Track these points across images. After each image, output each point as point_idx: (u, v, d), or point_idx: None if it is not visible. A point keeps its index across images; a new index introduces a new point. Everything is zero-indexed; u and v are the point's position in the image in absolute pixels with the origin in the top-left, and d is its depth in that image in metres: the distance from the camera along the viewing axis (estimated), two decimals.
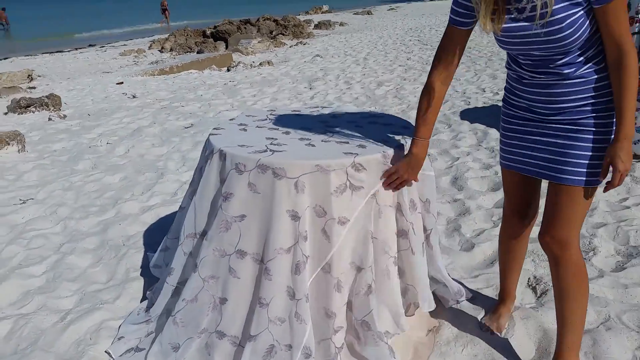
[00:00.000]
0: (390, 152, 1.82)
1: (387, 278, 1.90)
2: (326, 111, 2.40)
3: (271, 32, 15.12)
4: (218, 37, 13.46)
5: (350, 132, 2.05)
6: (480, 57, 9.13)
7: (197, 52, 11.84)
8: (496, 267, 2.55)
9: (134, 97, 7.22)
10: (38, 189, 3.80)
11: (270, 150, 1.84)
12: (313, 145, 1.90)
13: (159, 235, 3.03)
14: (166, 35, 14.72)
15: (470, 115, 5.37)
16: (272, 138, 1.99)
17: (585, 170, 1.59)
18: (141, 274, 2.61)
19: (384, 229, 1.87)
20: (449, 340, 2.04)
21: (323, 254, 1.80)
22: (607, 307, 2.20)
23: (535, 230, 2.88)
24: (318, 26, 17.86)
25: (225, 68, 9.76)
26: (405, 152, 1.86)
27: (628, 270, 2.44)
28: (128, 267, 2.69)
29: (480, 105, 5.78)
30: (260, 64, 9.80)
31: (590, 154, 1.58)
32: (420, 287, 1.95)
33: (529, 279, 2.46)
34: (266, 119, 2.28)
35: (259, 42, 12.66)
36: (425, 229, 2.01)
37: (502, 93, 6.25)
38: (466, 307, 2.25)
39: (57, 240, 3.05)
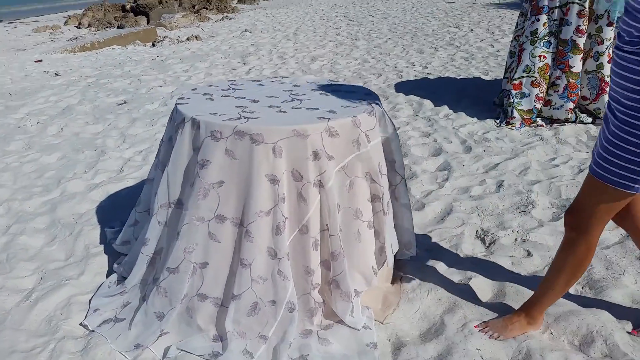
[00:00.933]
0: (360, 117, 1.93)
1: (357, 242, 2.02)
2: (287, 81, 2.46)
3: (194, 7, 14.68)
4: (139, 12, 12.91)
5: (317, 100, 2.13)
6: (406, 33, 9.41)
7: (118, 28, 11.32)
8: (447, 222, 2.75)
9: (56, 75, 6.85)
10: None
11: (245, 118, 1.89)
12: (285, 112, 1.97)
13: (112, 211, 2.99)
14: (82, 10, 13.90)
15: (404, 87, 5.59)
16: (242, 106, 2.04)
17: (605, 164, 1.55)
18: (102, 250, 2.58)
19: (354, 198, 1.98)
20: (414, 288, 2.21)
21: (301, 216, 1.88)
22: (549, 251, 2.46)
23: (479, 189, 3.13)
24: (242, 1, 17.53)
25: (150, 43, 9.43)
26: (379, 122, 1.99)
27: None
28: (87, 243, 2.64)
29: (412, 78, 6.02)
30: (187, 38, 9.55)
31: (623, 154, 1.50)
32: (391, 242, 2.09)
33: (477, 231, 2.68)
34: (229, 89, 2.31)
35: (182, 16, 12.28)
36: (390, 184, 2.14)
37: (430, 67, 6.54)
38: (425, 259, 2.43)
39: (2, 222, 2.92)
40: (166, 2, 13.51)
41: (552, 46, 4.21)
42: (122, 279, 2.26)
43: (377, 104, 2.08)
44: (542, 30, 4.21)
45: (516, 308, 2.07)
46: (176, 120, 2.00)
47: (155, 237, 2.03)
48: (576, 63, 4.12)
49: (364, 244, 2.03)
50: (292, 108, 2.02)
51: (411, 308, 2.11)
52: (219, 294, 1.94)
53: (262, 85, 2.39)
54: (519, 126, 4.24)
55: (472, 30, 9.26)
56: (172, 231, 2.00)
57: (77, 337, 2.01)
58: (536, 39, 4.24)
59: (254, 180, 1.81)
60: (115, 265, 2.35)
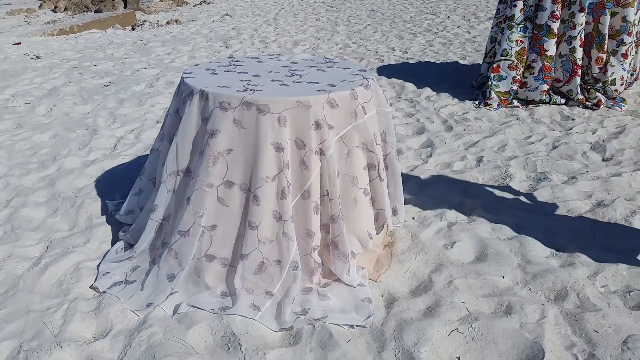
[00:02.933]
0: (357, 89, 2.08)
1: (354, 207, 2.18)
2: (283, 58, 2.59)
3: None
4: None
5: (315, 75, 2.27)
6: (385, 19, 9.56)
7: (95, 12, 11.18)
8: (432, 193, 2.94)
9: (37, 57, 6.81)
10: None
11: (251, 90, 2.02)
12: (287, 85, 2.11)
13: (111, 185, 3.08)
14: None
15: (386, 71, 5.75)
16: (246, 80, 2.17)
17: None
18: (104, 221, 2.68)
19: (351, 166, 2.13)
20: (404, 252, 2.39)
21: (303, 181, 2.03)
22: (523, 219, 2.66)
23: (461, 164, 3.31)
24: None
25: (130, 27, 9.37)
26: (374, 95, 2.14)
27: (539, 191, 2.93)
28: (89, 214, 2.74)
29: (393, 62, 6.18)
30: (167, 22, 9.53)
31: None
32: (387, 209, 2.26)
33: (460, 201, 2.87)
34: (231, 65, 2.43)
35: (160, 0, 12.19)
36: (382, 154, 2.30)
37: (410, 52, 6.71)
38: (413, 226, 2.60)
39: (3, 196, 2.99)
40: None
41: (528, 31, 4.42)
42: (129, 245, 2.38)
43: (372, 79, 2.23)
44: (519, 15, 4.42)
45: (496, 268, 2.27)
46: (184, 93, 2.12)
47: (164, 204, 2.16)
48: (550, 47, 4.34)
49: (360, 209, 2.20)
50: (293, 82, 2.16)
51: (401, 268, 2.29)
52: (227, 254, 2.08)
53: (261, 62, 2.52)
54: (496, 107, 4.45)
55: (448, 17, 9.45)
56: (181, 198, 2.13)
57: (88, 299, 2.12)
58: (513, 24, 4.44)
59: (261, 147, 1.95)
60: (121, 233, 2.46)
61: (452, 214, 2.73)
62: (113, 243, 2.52)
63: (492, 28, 4.89)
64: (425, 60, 6.20)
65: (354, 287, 2.11)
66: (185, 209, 2.05)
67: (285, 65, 2.44)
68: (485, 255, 2.38)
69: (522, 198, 2.87)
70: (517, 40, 4.45)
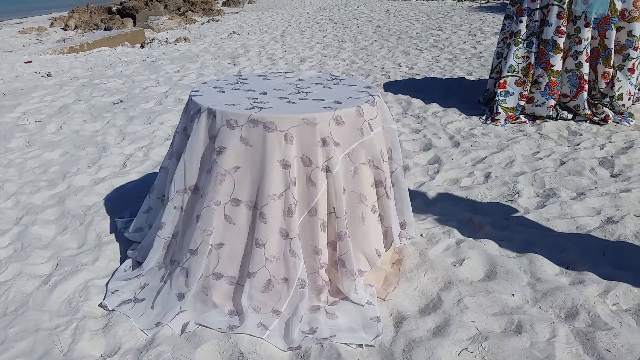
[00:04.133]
0: (363, 106, 2.09)
1: (361, 224, 2.17)
2: (290, 75, 2.61)
3: (179, 9, 14.75)
4: (125, 14, 12.94)
5: (321, 92, 2.29)
6: (391, 36, 9.62)
7: (105, 30, 11.35)
8: (440, 210, 2.93)
9: (48, 75, 6.90)
10: None
11: (257, 107, 2.04)
12: (293, 103, 2.13)
13: (120, 203, 3.10)
14: (67, 12, 13.88)
15: (392, 87, 5.77)
16: (253, 98, 2.19)
17: None
18: (114, 239, 2.69)
19: (359, 184, 2.13)
20: (412, 269, 2.38)
21: (309, 199, 2.04)
22: (533, 236, 2.64)
23: (468, 180, 3.30)
24: (227, 3, 17.65)
25: (139, 45, 9.50)
26: (380, 112, 2.14)
27: (547, 208, 2.91)
28: (98, 232, 2.76)
29: (399, 78, 6.21)
30: (176, 40, 9.65)
31: None
32: (394, 226, 2.25)
33: (467, 218, 2.86)
34: (238, 83, 2.46)
35: (169, 18, 12.36)
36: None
37: (416, 67, 6.74)
38: (421, 243, 2.60)
39: (13, 214, 3.02)
40: (152, 4, 13.56)
41: (534, 46, 4.43)
42: (137, 263, 2.38)
43: (378, 95, 2.24)
44: (525, 31, 4.44)
45: (506, 286, 2.25)
46: (192, 111, 2.14)
47: (172, 221, 2.16)
48: (557, 62, 4.34)
49: (368, 227, 2.19)
50: (300, 99, 2.17)
51: (410, 286, 2.28)
52: (234, 272, 2.08)
53: (268, 79, 2.54)
54: (503, 122, 4.45)
55: (454, 32, 9.51)
56: (188, 215, 2.14)
57: (97, 317, 2.13)
58: (519, 39, 4.46)
59: (268, 165, 1.96)
60: (129, 252, 2.47)
61: (460, 231, 2.72)
62: (122, 261, 2.53)
63: (498, 44, 4.91)
64: (432, 76, 6.22)
65: (362, 306, 2.10)
66: (195, 227, 2.05)
67: (291, 83, 2.46)
68: (495, 273, 2.37)
69: (531, 215, 2.85)
70: (523, 57, 4.47)
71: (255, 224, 2.03)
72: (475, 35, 9.10)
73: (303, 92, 2.30)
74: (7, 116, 4.93)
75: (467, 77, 6.05)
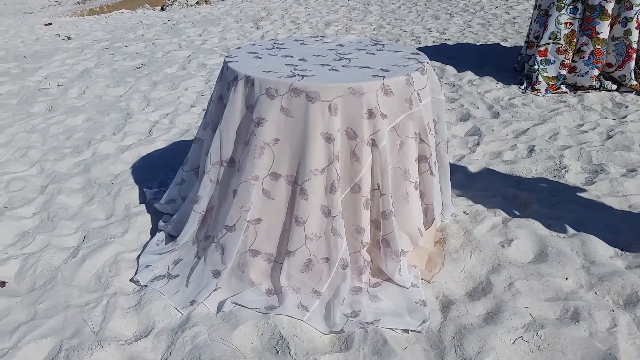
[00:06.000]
0: (414, 75, 1.92)
1: (405, 202, 2.03)
2: (329, 40, 2.44)
3: None
4: None
5: (365, 59, 2.12)
6: None
7: None
8: (483, 185, 2.77)
9: (68, 38, 6.77)
10: None
11: (299, 75, 1.88)
12: (336, 70, 1.97)
13: (148, 172, 2.99)
14: None
15: (424, 53, 5.52)
16: (293, 64, 2.03)
17: None
18: (143, 210, 2.59)
19: (404, 159, 1.98)
20: (457, 249, 2.25)
21: (353, 174, 1.90)
22: (583, 215, 2.48)
23: (511, 154, 3.13)
24: None
25: (159, 7, 9.29)
26: (430, 81, 1.98)
27: (597, 185, 2.74)
28: (127, 203, 2.66)
29: (430, 44, 5.95)
30: (197, 2, 9.41)
31: None
32: (437, 203, 2.11)
33: (513, 194, 2.70)
34: (274, 48, 2.29)
35: None
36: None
37: (448, 32, 6.46)
38: (465, 221, 2.45)
39: (38, 182, 2.94)
40: None
41: (578, 12, 4.16)
42: (170, 236, 2.29)
43: (427, 62, 2.07)
44: None
45: (558, 269, 2.11)
46: (227, 79, 1.99)
47: (207, 195, 2.05)
48: (603, 29, 4.07)
49: (411, 205, 2.05)
50: (343, 67, 2.01)
51: (456, 268, 2.15)
52: (272, 249, 1.97)
53: (306, 44, 2.37)
54: (544, 92, 4.22)
55: None
56: (224, 189, 2.02)
57: (128, 293, 2.04)
58: (562, 5, 4.19)
59: (310, 138, 1.82)
60: (161, 224, 2.37)
61: (506, 209, 2.56)
62: (152, 233, 2.43)
63: (535, 8, 4.62)
64: (465, 41, 5.95)
65: (407, 288, 1.98)
66: (232, 203, 1.93)
67: (331, 48, 2.29)
68: (546, 255, 2.22)
69: (580, 192, 2.68)
70: (566, 23, 4.20)
71: (295, 200, 1.90)
72: (507, 0, 8.70)
73: (345, 58, 2.13)
74: (28, 80, 4.83)
75: (502, 44, 5.77)
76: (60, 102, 4.23)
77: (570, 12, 4.19)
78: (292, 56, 2.15)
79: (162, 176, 2.92)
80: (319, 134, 1.82)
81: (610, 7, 4.02)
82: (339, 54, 2.20)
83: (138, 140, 3.47)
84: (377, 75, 1.88)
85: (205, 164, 2.03)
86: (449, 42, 5.94)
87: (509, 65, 4.91)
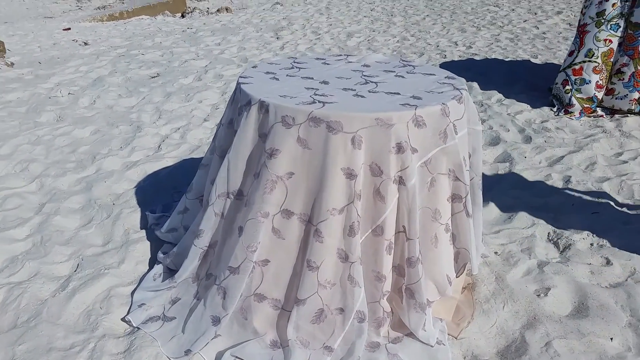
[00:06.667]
0: (450, 104, 1.69)
1: (433, 247, 1.80)
2: (353, 60, 2.21)
3: None
4: None
5: (394, 83, 1.89)
6: (444, 10, 9.01)
7: None
8: (515, 223, 2.52)
9: (85, 44, 6.65)
10: (0, 143, 3.41)
11: (320, 102, 1.66)
12: (362, 97, 1.74)
13: (152, 193, 2.79)
14: None
15: (449, 68, 5.28)
16: (313, 88, 1.81)
17: None
18: (143, 236, 2.39)
19: (434, 198, 1.75)
20: (488, 298, 2.00)
21: (376, 215, 1.67)
22: (630, 260, 2.22)
23: (546, 185, 2.87)
24: None
25: (180, 14, 9.17)
26: (461, 103, 1.74)
27: None
28: (126, 228, 2.46)
29: (456, 58, 5.71)
30: (217, 10, 9.27)
31: None
32: (472, 249, 1.87)
33: (548, 233, 2.44)
34: (293, 68, 2.08)
35: None
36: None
37: (475, 47, 6.21)
38: (495, 263, 2.20)
39: (36, 200, 2.75)
40: None
41: (620, 29, 3.88)
42: (169, 270, 2.08)
43: (465, 89, 1.84)
44: (611, 11, 3.88)
45: (601, 326, 1.85)
46: (240, 102, 1.78)
47: (211, 229, 1.83)
48: None
49: (440, 250, 1.81)
50: (369, 92, 1.78)
51: (487, 322, 1.90)
52: (279, 295, 1.75)
53: (328, 64, 2.15)
54: (578, 115, 3.95)
55: (513, 10, 8.83)
56: (230, 224, 1.80)
57: (118, 336, 1.83)
58: (602, 20, 3.91)
59: (329, 173, 1.59)
60: (160, 255, 2.16)
61: (541, 250, 2.31)
62: (150, 264, 2.23)
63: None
64: (493, 57, 5.70)
65: (431, 346, 1.73)
66: (237, 242, 1.71)
67: (356, 69, 2.06)
68: (586, 308, 1.96)
69: (622, 232, 2.41)
70: (605, 40, 3.92)
71: (308, 242, 1.67)
72: (535, 13, 8.42)
73: (372, 81, 1.90)
74: (40, 87, 4.69)
75: (533, 60, 5.50)
76: (69, 112, 4.07)
77: (610, 29, 3.91)
78: (312, 78, 1.93)
79: (166, 198, 2.72)
80: (339, 169, 1.60)
81: None
82: (364, 76, 1.97)
83: (145, 156, 3.28)
84: (408, 104, 1.65)
85: (210, 195, 1.82)
86: (476, 57, 5.69)
87: (540, 84, 4.64)
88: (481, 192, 2.00)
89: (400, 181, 1.64)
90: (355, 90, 1.79)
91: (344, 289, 1.68)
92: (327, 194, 1.60)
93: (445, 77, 1.96)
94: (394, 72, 2.03)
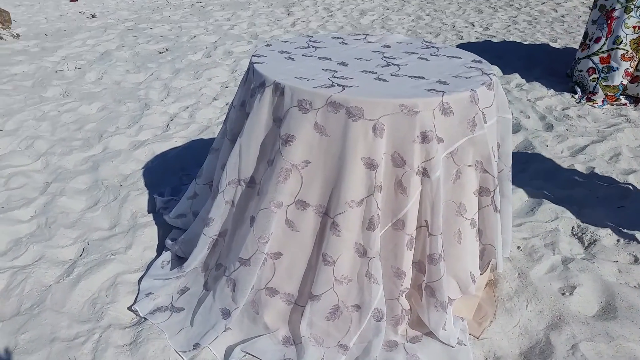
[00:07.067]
0: (479, 90, 1.57)
1: (457, 242, 1.70)
2: (373, 39, 2.09)
3: None
4: None
5: (417, 66, 1.77)
6: None
7: None
8: (538, 215, 2.41)
9: (93, 16, 6.51)
10: (5, 119, 3.32)
11: (339, 86, 1.55)
12: (384, 80, 1.62)
13: (160, 175, 2.70)
14: None
15: (466, 50, 5.11)
16: (331, 70, 1.69)
17: None
18: (151, 220, 2.31)
19: (459, 191, 1.65)
20: (511, 296, 1.90)
21: (397, 208, 1.57)
22: None
23: (569, 176, 2.76)
24: None
25: None
26: (491, 90, 1.62)
27: None
28: (133, 211, 2.38)
29: (473, 40, 5.54)
30: None
31: None
32: (498, 245, 1.77)
33: (572, 227, 2.34)
34: (309, 47, 1.96)
35: None
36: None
37: (492, 28, 6.02)
38: (518, 259, 2.11)
39: (41, 179, 2.67)
40: None
41: None
42: (177, 258, 2.00)
43: (494, 74, 1.71)
44: None
45: (630, 329, 1.76)
46: (253, 83, 1.67)
47: (221, 217, 1.74)
48: None
49: (464, 246, 1.71)
50: (392, 75, 1.67)
51: (510, 321, 1.81)
52: (293, 290, 1.66)
53: (346, 43, 2.02)
54: (600, 104, 3.81)
55: None
56: (241, 213, 1.71)
57: (124, 327, 1.76)
58: (632, 6, 3.74)
59: (348, 163, 1.49)
60: (168, 242, 2.07)
61: (565, 245, 2.21)
62: (159, 250, 2.15)
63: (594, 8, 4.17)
64: (511, 39, 5.51)
65: (452, 347, 1.65)
66: (248, 232, 1.62)
67: (376, 50, 1.94)
68: (614, 309, 1.87)
69: None
70: (634, 27, 3.75)
71: (324, 235, 1.58)
72: None
73: (393, 64, 1.78)
74: (46, 60, 4.57)
75: (552, 44, 5.32)
76: (75, 87, 3.96)
77: None
78: (330, 58, 1.82)
79: (175, 181, 2.63)
80: (359, 158, 1.49)
81: None
82: (385, 57, 1.85)
83: (154, 135, 3.18)
84: (434, 90, 1.54)
85: (220, 181, 1.72)
86: (494, 39, 5.52)
87: (560, 69, 4.49)
88: (510, 184, 1.89)
89: (424, 173, 1.53)
90: (376, 73, 1.68)
91: (361, 286, 1.60)
92: (346, 185, 1.50)
93: (472, 61, 1.84)
94: (417, 53, 1.90)
